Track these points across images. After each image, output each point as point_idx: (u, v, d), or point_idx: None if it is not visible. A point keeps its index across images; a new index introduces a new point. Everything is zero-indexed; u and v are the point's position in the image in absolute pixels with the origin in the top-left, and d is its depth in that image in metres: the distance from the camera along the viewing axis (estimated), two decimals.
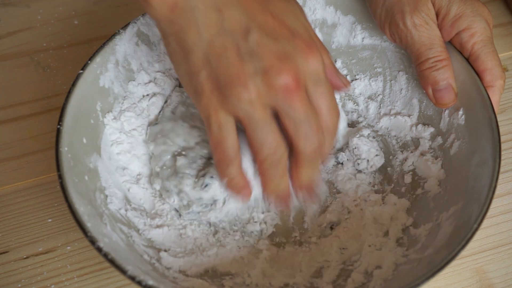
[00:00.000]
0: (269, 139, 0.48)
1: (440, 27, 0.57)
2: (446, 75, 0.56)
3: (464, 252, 0.48)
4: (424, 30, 0.56)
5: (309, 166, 0.50)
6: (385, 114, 0.64)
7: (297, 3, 0.52)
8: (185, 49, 0.48)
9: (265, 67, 0.47)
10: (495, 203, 0.50)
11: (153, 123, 0.60)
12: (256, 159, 0.50)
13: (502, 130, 0.56)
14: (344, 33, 0.65)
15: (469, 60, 0.57)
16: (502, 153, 0.52)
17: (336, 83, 0.54)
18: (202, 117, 0.50)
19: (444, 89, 0.56)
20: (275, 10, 0.49)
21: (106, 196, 0.55)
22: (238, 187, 0.52)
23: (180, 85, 0.63)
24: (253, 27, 0.47)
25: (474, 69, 0.57)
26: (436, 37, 0.56)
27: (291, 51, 0.48)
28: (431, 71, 0.56)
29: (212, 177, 0.54)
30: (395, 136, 0.63)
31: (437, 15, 0.57)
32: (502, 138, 0.54)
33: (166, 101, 0.62)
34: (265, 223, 0.58)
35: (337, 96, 0.65)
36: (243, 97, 0.47)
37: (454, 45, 0.58)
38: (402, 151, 0.62)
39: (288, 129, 0.48)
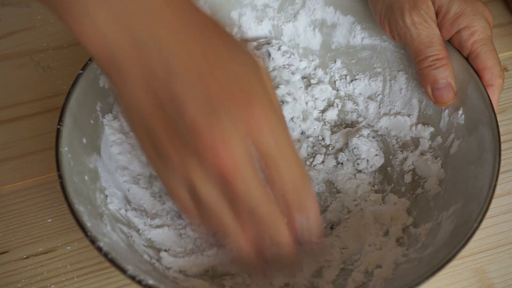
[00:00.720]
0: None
1: (440, 25, 0.57)
2: (446, 74, 0.56)
3: (464, 252, 0.48)
4: (423, 28, 0.56)
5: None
6: (385, 114, 0.64)
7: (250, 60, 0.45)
8: (122, 95, 0.45)
9: (198, 148, 0.42)
10: (495, 203, 0.50)
11: None
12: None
13: (502, 130, 0.56)
14: (344, 33, 0.65)
15: (469, 59, 0.57)
16: (502, 153, 0.52)
17: None
18: None
19: (443, 88, 0.56)
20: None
21: (106, 196, 0.55)
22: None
23: None
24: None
25: (473, 67, 0.57)
26: (435, 35, 0.56)
27: (228, 120, 0.42)
28: (430, 70, 0.56)
29: None
30: (395, 136, 0.63)
31: (437, 13, 0.57)
32: (502, 138, 0.54)
33: None
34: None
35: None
36: (182, 171, 0.44)
37: (454, 43, 0.58)
38: (402, 151, 0.62)
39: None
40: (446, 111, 0.59)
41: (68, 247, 0.58)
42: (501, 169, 0.52)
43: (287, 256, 0.48)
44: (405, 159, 0.61)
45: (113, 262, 0.46)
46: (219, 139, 0.42)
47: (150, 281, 0.46)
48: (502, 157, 0.52)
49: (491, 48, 0.56)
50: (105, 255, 0.46)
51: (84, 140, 0.55)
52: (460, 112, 0.57)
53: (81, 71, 0.55)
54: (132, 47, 0.43)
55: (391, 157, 0.62)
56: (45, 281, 0.56)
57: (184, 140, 0.43)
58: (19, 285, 0.56)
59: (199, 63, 0.43)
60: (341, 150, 0.62)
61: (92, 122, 0.56)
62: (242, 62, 0.44)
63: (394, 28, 0.57)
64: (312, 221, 0.48)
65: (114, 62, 0.43)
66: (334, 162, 0.62)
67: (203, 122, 0.42)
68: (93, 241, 0.47)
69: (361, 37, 0.64)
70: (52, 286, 0.56)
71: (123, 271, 0.46)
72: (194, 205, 0.47)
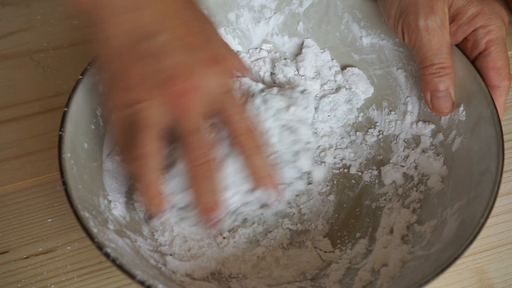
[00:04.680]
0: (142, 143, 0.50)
1: (456, 25, 0.57)
2: (447, 84, 0.56)
3: (464, 253, 0.48)
4: (435, 35, 0.56)
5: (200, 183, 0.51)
6: (385, 112, 0.64)
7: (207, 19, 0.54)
8: (100, 41, 0.51)
9: (165, 73, 0.49)
10: (495, 203, 0.51)
11: None
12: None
13: (503, 130, 0.56)
14: (342, 31, 0.65)
15: (479, 56, 0.57)
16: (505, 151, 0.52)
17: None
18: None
19: (442, 97, 0.56)
20: (188, 18, 0.51)
21: (110, 201, 0.55)
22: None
23: None
24: (165, 28, 0.50)
25: (478, 65, 0.56)
26: (445, 43, 0.56)
27: (195, 61, 0.50)
28: (433, 77, 0.56)
29: None
30: (396, 134, 0.63)
31: (454, 16, 0.57)
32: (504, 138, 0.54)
33: None
34: (268, 224, 0.58)
35: (342, 96, 0.65)
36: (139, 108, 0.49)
37: (468, 41, 0.57)
38: (403, 149, 0.62)
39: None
40: None
41: (68, 247, 0.58)
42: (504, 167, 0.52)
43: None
44: (407, 156, 0.61)
45: (121, 268, 0.46)
46: (185, 66, 0.50)
47: (160, 286, 0.46)
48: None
49: (504, 49, 0.56)
50: (113, 261, 0.46)
51: (86, 146, 0.55)
52: (461, 109, 0.57)
53: (80, 76, 0.55)
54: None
55: (393, 154, 0.62)
56: (45, 281, 0.56)
57: (155, 81, 0.49)
58: (19, 285, 0.56)
59: (182, 28, 0.51)
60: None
61: (93, 127, 0.56)
62: (208, 30, 0.53)
63: (406, 31, 0.57)
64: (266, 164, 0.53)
65: (102, 11, 0.50)
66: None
67: (180, 71, 0.49)
68: (100, 247, 0.47)
69: (359, 35, 0.64)
70: (52, 286, 0.56)
71: (132, 276, 0.46)
72: (128, 143, 0.51)
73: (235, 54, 0.55)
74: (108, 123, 0.57)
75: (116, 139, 0.52)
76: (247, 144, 0.51)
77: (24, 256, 0.58)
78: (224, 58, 0.52)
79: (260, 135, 0.52)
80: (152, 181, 0.50)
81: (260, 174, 0.52)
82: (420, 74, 0.57)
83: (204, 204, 0.50)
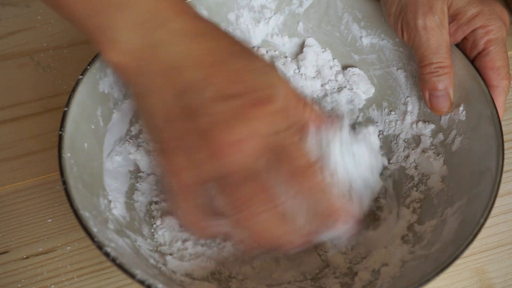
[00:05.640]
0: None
1: (456, 26, 0.57)
2: (446, 83, 0.56)
3: (464, 252, 0.48)
4: (433, 34, 0.56)
5: None
6: (385, 113, 0.64)
7: (261, 60, 0.50)
8: (148, 109, 0.49)
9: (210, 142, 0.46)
10: (495, 203, 0.51)
11: None
12: None
13: (503, 129, 0.56)
14: (342, 31, 0.65)
15: (478, 56, 0.57)
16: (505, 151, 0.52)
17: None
18: None
19: (440, 96, 0.56)
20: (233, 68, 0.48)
21: (110, 201, 0.55)
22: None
23: None
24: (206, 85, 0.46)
25: (480, 65, 0.56)
26: (443, 42, 0.56)
27: (237, 108, 0.46)
28: (432, 76, 0.56)
29: None
30: (396, 134, 0.63)
31: (454, 16, 0.57)
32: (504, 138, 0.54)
33: None
34: None
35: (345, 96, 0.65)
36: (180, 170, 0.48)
37: (468, 41, 0.57)
38: (403, 149, 0.62)
39: None
40: None
41: (68, 247, 0.58)
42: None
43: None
44: (407, 156, 0.61)
45: (121, 267, 0.46)
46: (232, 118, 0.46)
47: (160, 285, 0.46)
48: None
49: (503, 49, 0.56)
50: (113, 260, 0.46)
51: (86, 146, 0.55)
52: (461, 108, 0.57)
53: (80, 76, 0.55)
54: (152, 56, 0.47)
55: (392, 154, 0.62)
56: (45, 281, 0.56)
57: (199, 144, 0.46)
58: (19, 285, 0.56)
59: (219, 74, 0.47)
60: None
61: (93, 127, 0.56)
62: (256, 66, 0.49)
63: (406, 29, 0.57)
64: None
65: (137, 70, 0.47)
66: None
67: (219, 128, 0.46)
68: (100, 246, 0.47)
69: (359, 35, 0.64)
70: (52, 286, 0.56)
71: (132, 276, 0.46)
72: (203, 217, 0.49)
73: (290, 93, 0.49)
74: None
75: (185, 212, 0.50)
76: (308, 182, 0.48)
77: (24, 256, 0.58)
78: (271, 97, 0.47)
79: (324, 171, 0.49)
80: (270, 221, 0.47)
81: (333, 209, 0.49)
82: (419, 73, 0.57)
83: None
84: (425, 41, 0.56)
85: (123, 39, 0.47)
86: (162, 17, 0.47)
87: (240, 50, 0.49)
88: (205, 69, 0.47)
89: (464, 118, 0.57)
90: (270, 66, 0.50)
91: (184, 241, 0.56)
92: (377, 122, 0.64)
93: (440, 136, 0.59)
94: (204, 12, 0.62)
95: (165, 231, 0.56)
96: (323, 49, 0.66)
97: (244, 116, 0.46)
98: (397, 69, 0.63)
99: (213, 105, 0.46)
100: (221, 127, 0.46)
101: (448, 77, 0.56)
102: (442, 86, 0.56)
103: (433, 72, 0.56)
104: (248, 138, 0.46)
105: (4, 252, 0.58)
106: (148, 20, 0.47)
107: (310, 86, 0.65)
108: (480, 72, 0.56)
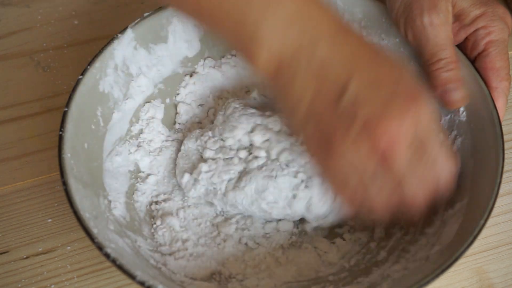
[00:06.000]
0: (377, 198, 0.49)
1: (459, 26, 0.57)
2: (457, 77, 0.55)
3: (464, 254, 0.48)
4: (440, 31, 0.56)
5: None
6: None
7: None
8: (290, 104, 0.50)
9: (362, 125, 0.47)
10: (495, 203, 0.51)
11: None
12: None
13: (503, 129, 0.56)
14: None
15: (478, 57, 0.57)
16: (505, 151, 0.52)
17: None
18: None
19: (453, 89, 0.55)
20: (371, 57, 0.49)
21: (110, 201, 0.55)
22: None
23: None
24: (353, 77, 0.48)
25: (477, 66, 0.56)
26: (450, 39, 0.56)
27: (391, 104, 0.47)
28: (442, 72, 0.55)
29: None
30: None
31: (458, 16, 0.57)
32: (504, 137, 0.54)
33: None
34: (268, 224, 0.58)
35: None
36: (342, 159, 0.48)
37: (469, 41, 0.57)
38: None
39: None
40: None
41: (68, 247, 0.58)
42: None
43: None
44: None
45: (121, 268, 0.46)
46: (383, 111, 0.47)
47: (160, 286, 0.46)
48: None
49: (504, 50, 0.56)
50: (114, 261, 0.46)
51: (86, 146, 0.55)
52: (462, 109, 0.57)
53: (80, 77, 0.55)
54: (304, 58, 0.48)
55: None
56: (45, 281, 0.56)
57: (342, 122, 0.48)
58: (19, 285, 0.56)
59: (370, 71, 0.48)
60: None
61: (93, 127, 0.56)
62: (395, 67, 0.50)
63: (410, 27, 0.57)
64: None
65: (288, 72, 0.49)
66: None
67: (377, 120, 0.47)
68: (100, 247, 0.47)
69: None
70: (52, 286, 0.56)
71: (132, 277, 0.46)
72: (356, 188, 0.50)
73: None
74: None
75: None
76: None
77: (24, 256, 0.58)
78: (417, 93, 0.48)
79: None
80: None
81: None
82: (428, 71, 0.56)
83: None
84: (433, 37, 0.56)
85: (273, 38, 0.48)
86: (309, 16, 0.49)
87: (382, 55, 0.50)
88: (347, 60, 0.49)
89: (465, 119, 0.57)
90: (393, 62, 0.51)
91: (184, 241, 0.56)
92: None
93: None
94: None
95: (165, 231, 0.56)
96: None
97: (398, 114, 0.47)
98: None
99: (366, 102, 0.47)
100: (379, 125, 0.47)
101: (459, 71, 0.55)
102: (454, 80, 0.55)
103: (443, 67, 0.55)
104: (402, 135, 0.47)
105: (4, 252, 0.58)
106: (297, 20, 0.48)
107: None
108: (480, 73, 0.56)
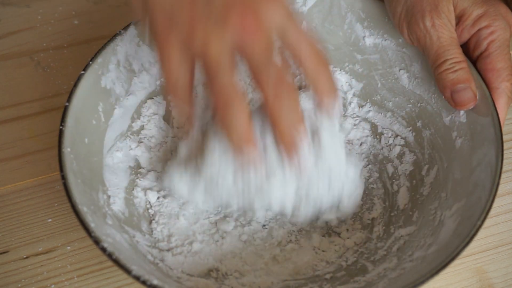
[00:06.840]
0: (226, 81, 0.47)
1: (461, 26, 0.57)
2: (465, 77, 0.55)
3: (464, 252, 0.48)
4: (443, 31, 0.55)
5: (283, 115, 0.48)
6: (386, 113, 0.64)
7: None
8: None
9: (221, 9, 0.46)
10: (495, 203, 0.50)
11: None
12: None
13: (503, 130, 0.56)
14: (345, 31, 0.65)
15: (479, 57, 0.57)
16: (504, 152, 0.52)
17: None
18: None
19: (463, 90, 0.55)
20: None
21: (109, 196, 0.55)
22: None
23: None
24: None
25: (478, 67, 0.56)
26: (454, 39, 0.56)
27: None
28: (448, 73, 0.55)
29: None
30: (395, 134, 0.63)
31: (460, 17, 0.57)
32: (503, 138, 0.54)
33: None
34: (268, 224, 0.58)
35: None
36: (197, 39, 0.47)
37: (471, 42, 0.57)
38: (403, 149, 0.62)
39: (252, 75, 0.48)
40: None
41: (68, 247, 0.58)
42: (502, 169, 0.52)
43: None
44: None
45: (117, 262, 0.46)
46: (250, 15, 0.47)
47: (155, 281, 0.46)
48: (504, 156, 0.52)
49: (506, 50, 0.56)
50: (109, 255, 0.46)
51: (86, 141, 0.55)
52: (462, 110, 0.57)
53: (82, 72, 0.55)
54: None
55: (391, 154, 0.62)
56: (45, 281, 0.56)
57: (212, 15, 0.47)
58: (19, 285, 0.56)
59: None
60: None
61: (94, 122, 0.56)
62: None
63: (413, 30, 0.57)
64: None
65: None
66: None
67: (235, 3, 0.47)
68: (97, 241, 0.47)
69: (362, 35, 0.64)
70: (52, 286, 0.56)
71: (127, 271, 0.46)
72: (185, 79, 0.49)
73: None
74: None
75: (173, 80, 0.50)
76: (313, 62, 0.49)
77: (24, 256, 0.58)
78: None
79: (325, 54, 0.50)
80: (246, 125, 0.48)
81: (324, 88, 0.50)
82: (435, 74, 0.56)
83: (288, 125, 0.49)
84: (436, 39, 0.55)
85: None
86: None
87: None
88: None
89: (465, 120, 0.57)
90: None
91: (183, 237, 0.56)
92: (377, 123, 0.64)
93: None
94: None
95: (164, 227, 0.56)
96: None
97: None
98: (400, 70, 0.63)
99: None
100: (236, 7, 0.46)
101: (466, 71, 0.55)
102: (462, 80, 0.55)
103: (449, 68, 0.55)
104: (260, 17, 0.47)
105: (4, 252, 0.58)
106: None
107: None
108: (481, 74, 0.56)
